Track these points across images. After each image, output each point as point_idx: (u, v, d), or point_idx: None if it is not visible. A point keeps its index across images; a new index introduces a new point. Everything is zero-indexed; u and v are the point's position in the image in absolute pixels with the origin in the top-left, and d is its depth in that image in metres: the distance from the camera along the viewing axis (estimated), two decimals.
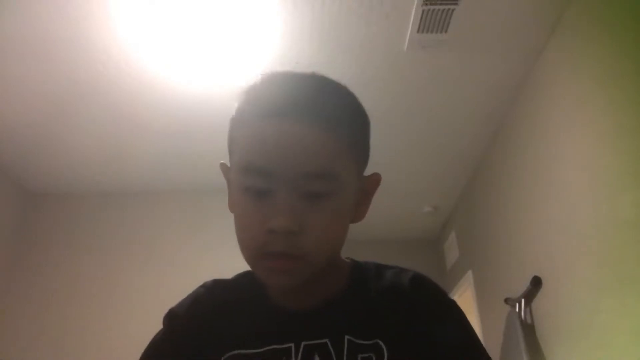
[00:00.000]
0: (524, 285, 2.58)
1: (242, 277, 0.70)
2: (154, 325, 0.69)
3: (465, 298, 3.93)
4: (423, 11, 2.17)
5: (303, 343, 0.59)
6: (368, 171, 0.66)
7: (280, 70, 0.61)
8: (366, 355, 0.57)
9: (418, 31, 2.28)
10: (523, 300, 2.61)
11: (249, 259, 0.58)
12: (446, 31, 2.28)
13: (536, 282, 2.49)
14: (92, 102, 2.75)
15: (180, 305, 0.67)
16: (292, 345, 0.59)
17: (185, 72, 2.53)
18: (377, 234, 4.42)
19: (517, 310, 2.64)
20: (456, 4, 2.14)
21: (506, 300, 2.79)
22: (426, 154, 3.33)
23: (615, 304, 1.86)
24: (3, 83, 2.60)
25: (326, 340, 0.58)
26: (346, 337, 0.58)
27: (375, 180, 0.66)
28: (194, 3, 2.14)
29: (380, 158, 3.78)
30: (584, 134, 2.11)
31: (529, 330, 2.55)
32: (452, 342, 0.59)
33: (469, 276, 3.69)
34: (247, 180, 0.56)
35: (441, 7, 2.15)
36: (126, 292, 3.23)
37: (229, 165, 0.64)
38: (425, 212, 4.08)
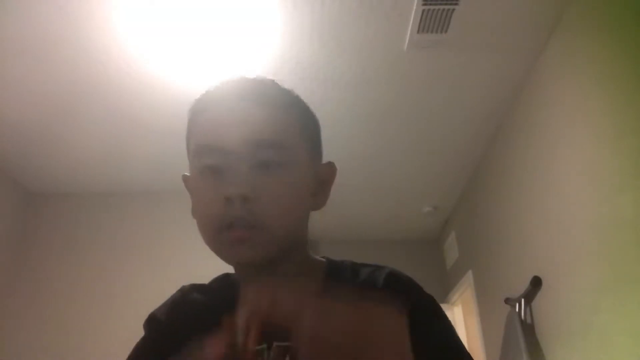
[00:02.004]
0: (524, 285, 2.58)
1: (217, 281, 0.70)
2: None
3: (465, 298, 3.93)
4: (423, 11, 2.17)
5: (275, 344, 0.59)
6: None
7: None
8: None
9: (418, 31, 2.28)
10: (523, 300, 2.62)
11: (210, 237, 0.59)
12: (446, 31, 2.28)
13: (536, 282, 2.49)
14: (92, 102, 2.75)
15: (159, 309, 0.67)
16: (265, 346, 0.59)
17: (185, 72, 2.53)
18: (377, 234, 4.42)
19: (517, 310, 2.64)
20: (456, 4, 2.14)
21: (506, 300, 2.79)
22: (426, 154, 3.33)
23: (615, 304, 1.86)
24: (3, 83, 2.60)
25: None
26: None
27: (330, 169, 0.68)
28: (194, 3, 2.14)
29: (380, 158, 3.79)
30: (584, 134, 2.11)
31: (529, 330, 2.55)
32: (429, 336, 0.59)
33: (469, 276, 3.69)
34: (202, 160, 0.59)
35: (441, 7, 2.15)
36: (126, 292, 3.23)
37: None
38: (425, 212, 4.09)
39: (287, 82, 0.68)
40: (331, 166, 0.68)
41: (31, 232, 3.47)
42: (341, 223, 4.25)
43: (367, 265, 0.67)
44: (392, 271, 0.65)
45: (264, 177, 0.57)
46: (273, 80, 0.66)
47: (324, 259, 0.69)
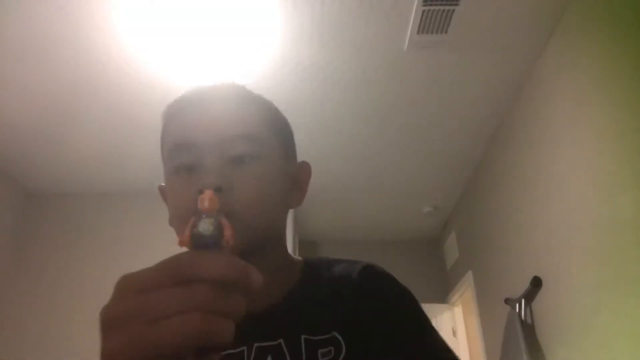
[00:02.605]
0: (524, 285, 2.58)
1: None
2: None
3: (465, 298, 3.93)
4: (423, 11, 2.17)
5: (256, 345, 0.58)
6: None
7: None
8: (325, 349, 0.57)
9: (418, 32, 2.28)
10: (523, 300, 2.62)
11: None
12: (446, 32, 2.28)
13: (536, 282, 2.49)
14: (92, 102, 2.75)
15: None
16: (245, 348, 0.58)
17: (186, 72, 2.53)
18: (377, 234, 4.43)
19: (517, 310, 2.64)
20: (456, 4, 2.14)
21: (506, 300, 2.79)
22: (426, 153, 3.33)
23: (615, 304, 1.86)
24: (3, 83, 2.60)
25: (280, 341, 0.58)
26: (302, 336, 0.58)
27: (305, 168, 0.69)
28: (193, 3, 2.14)
29: (380, 158, 3.79)
30: (584, 134, 2.11)
31: (529, 330, 2.55)
32: (404, 328, 0.59)
33: (469, 276, 3.69)
34: (176, 159, 0.59)
35: (441, 8, 2.15)
36: None
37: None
38: (425, 212, 4.09)
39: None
40: (305, 165, 0.69)
41: (31, 232, 3.47)
42: (341, 223, 4.25)
43: (343, 261, 0.68)
44: (367, 264, 0.65)
45: (236, 169, 0.58)
46: (243, 85, 0.67)
47: (301, 259, 0.70)
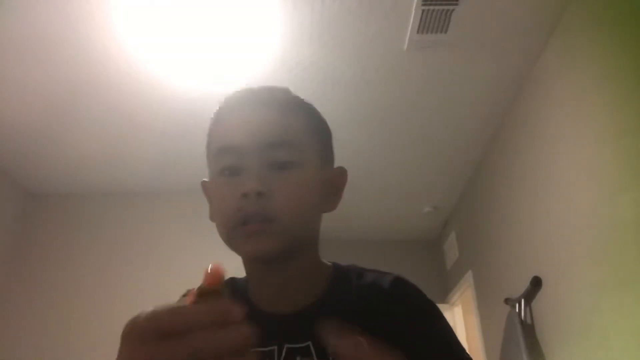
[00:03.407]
0: (524, 285, 2.58)
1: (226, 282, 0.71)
2: None
3: (465, 298, 3.93)
4: (423, 11, 2.17)
5: (286, 346, 0.60)
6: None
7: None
8: None
9: (418, 31, 2.28)
10: (523, 300, 2.62)
11: (226, 234, 0.62)
12: (446, 31, 2.28)
13: (536, 282, 2.49)
14: (92, 102, 2.75)
15: None
16: (275, 348, 0.60)
17: (185, 72, 2.53)
18: (377, 234, 4.42)
19: (517, 310, 2.64)
20: (456, 4, 2.14)
21: (506, 300, 2.79)
22: (426, 154, 3.33)
23: (615, 304, 1.86)
24: (3, 83, 2.60)
25: (308, 343, 0.59)
26: None
27: (341, 173, 0.71)
28: (193, 3, 2.14)
29: (380, 158, 3.79)
30: (583, 134, 2.11)
31: (529, 330, 2.55)
32: (432, 343, 0.60)
33: (469, 276, 3.69)
34: (221, 161, 0.63)
35: (441, 8, 2.15)
36: (126, 292, 3.22)
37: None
38: (425, 212, 4.09)
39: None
40: (342, 171, 0.71)
41: (31, 232, 3.47)
42: (341, 223, 4.25)
43: (373, 270, 0.68)
44: (398, 276, 0.66)
45: (276, 174, 0.60)
46: (287, 88, 0.70)
47: (330, 264, 0.70)
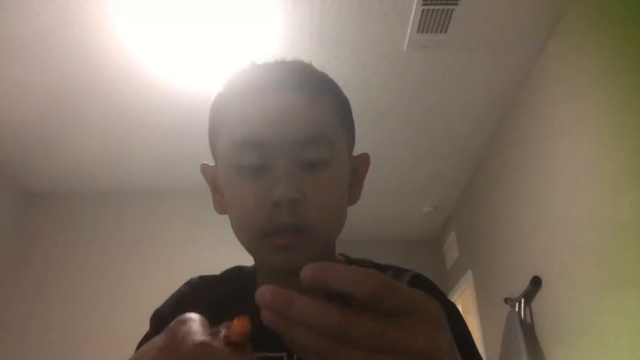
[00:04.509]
0: (524, 285, 2.58)
1: (230, 273, 0.67)
2: None
3: (465, 298, 3.93)
4: (423, 11, 2.17)
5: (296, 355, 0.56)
6: (370, 168, 0.65)
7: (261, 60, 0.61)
8: None
9: (418, 31, 2.28)
10: (523, 300, 2.62)
11: (252, 241, 0.56)
12: (446, 31, 2.28)
13: (536, 282, 2.49)
14: (92, 102, 2.75)
15: (165, 304, 0.64)
16: (285, 355, 0.56)
17: (185, 72, 2.53)
18: (377, 234, 4.42)
19: (517, 310, 2.64)
20: (456, 4, 2.14)
21: (506, 300, 2.79)
22: (426, 153, 3.33)
23: (615, 304, 1.86)
24: (3, 83, 2.60)
25: None
26: None
27: (364, 160, 0.65)
28: (193, 3, 2.14)
29: (380, 158, 3.79)
30: (583, 134, 2.11)
31: (529, 330, 2.55)
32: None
33: (469, 276, 3.69)
34: (242, 156, 0.54)
35: (441, 7, 2.15)
36: (127, 292, 3.23)
37: (211, 164, 0.62)
38: (425, 212, 4.09)
39: None
40: (365, 157, 0.65)
41: (31, 232, 3.47)
42: None
43: (390, 267, 0.64)
44: (415, 274, 0.63)
45: (308, 176, 0.53)
46: (308, 64, 0.61)
47: (342, 257, 0.67)
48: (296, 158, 0.53)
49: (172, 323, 0.41)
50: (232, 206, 0.58)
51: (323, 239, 0.55)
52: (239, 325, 0.37)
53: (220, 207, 0.61)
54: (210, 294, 0.63)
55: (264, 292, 0.31)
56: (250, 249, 0.57)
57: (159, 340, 0.39)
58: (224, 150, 0.57)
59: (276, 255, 0.54)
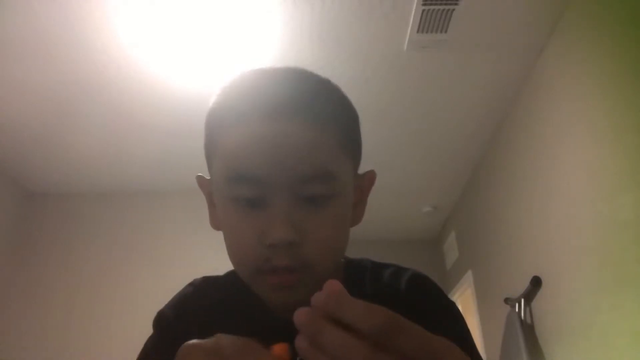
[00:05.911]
0: (524, 285, 2.58)
1: (234, 274, 0.66)
2: None
3: (465, 298, 3.93)
4: (423, 11, 2.17)
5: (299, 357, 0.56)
6: (370, 168, 0.64)
7: (257, 68, 0.56)
8: None
9: (418, 31, 2.28)
10: (523, 300, 2.62)
11: (247, 277, 0.54)
12: (446, 31, 2.28)
13: (536, 282, 2.49)
14: (92, 102, 2.75)
15: (168, 306, 0.63)
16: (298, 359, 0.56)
17: (185, 72, 2.53)
18: (377, 234, 4.42)
19: (517, 310, 2.64)
20: (456, 4, 2.14)
21: (506, 300, 2.79)
22: (426, 153, 3.33)
23: (615, 304, 1.86)
24: (3, 83, 2.60)
25: None
26: None
27: (370, 178, 0.62)
28: (193, 3, 2.14)
29: (379, 158, 3.79)
30: (583, 134, 2.11)
31: (529, 330, 2.55)
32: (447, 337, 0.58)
33: (468, 276, 3.69)
34: (236, 190, 0.51)
35: (441, 7, 2.15)
36: (126, 292, 3.23)
37: (207, 177, 0.60)
38: (425, 212, 4.09)
39: None
40: (371, 175, 0.62)
41: (31, 232, 3.47)
42: None
43: (389, 266, 0.63)
44: (415, 274, 0.61)
45: (310, 215, 0.50)
46: (310, 76, 0.56)
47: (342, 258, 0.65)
48: (296, 194, 0.49)
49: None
50: (227, 236, 0.56)
51: (322, 274, 0.51)
52: (278, 350, 0.37)
53: (217, 224, 0.59)
54: (214, 297, 0.62)
55: (300, 315, 0.33)
56: (245, 280, 0.56)
57: None
58: (218, 178, 0.54)
59: (272, 292, 0.53)
